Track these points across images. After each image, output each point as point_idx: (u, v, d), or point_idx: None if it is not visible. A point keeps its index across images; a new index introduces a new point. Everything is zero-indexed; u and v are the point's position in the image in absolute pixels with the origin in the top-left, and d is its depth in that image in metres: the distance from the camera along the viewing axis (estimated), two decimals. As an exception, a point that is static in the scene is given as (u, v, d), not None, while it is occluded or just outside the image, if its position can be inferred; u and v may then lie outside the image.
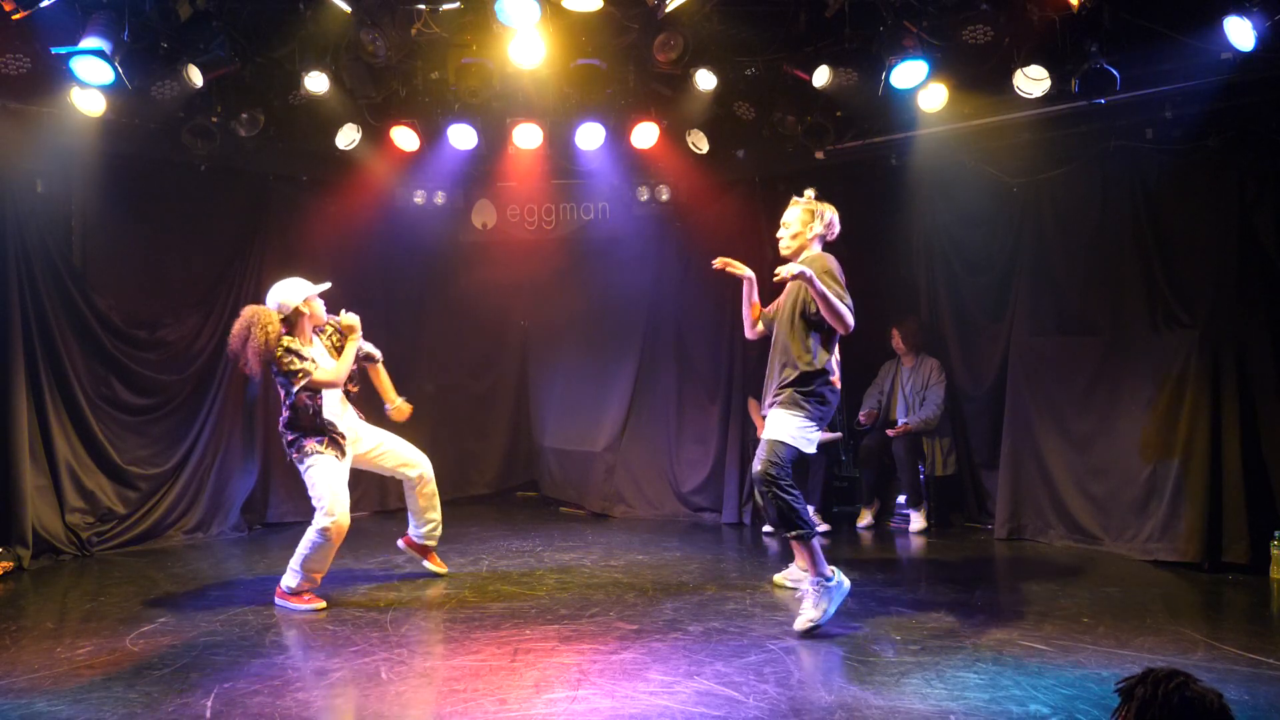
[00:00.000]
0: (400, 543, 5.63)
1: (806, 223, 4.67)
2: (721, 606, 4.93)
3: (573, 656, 4.15)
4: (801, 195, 4.78)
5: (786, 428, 4.50)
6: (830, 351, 4.62)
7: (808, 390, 4.53)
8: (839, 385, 4.68)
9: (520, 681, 3.83)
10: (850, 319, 4.45)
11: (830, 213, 4.72)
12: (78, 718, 3.50)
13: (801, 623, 4.37)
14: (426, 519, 5.52)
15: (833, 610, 4.43)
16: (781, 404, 4.55)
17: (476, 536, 6.87)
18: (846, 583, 4.53)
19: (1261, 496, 5.46)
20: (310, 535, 4.90)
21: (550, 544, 6.60)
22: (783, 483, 4.41)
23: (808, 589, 4.46)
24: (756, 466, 4.49)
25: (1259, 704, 3.52)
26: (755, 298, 4.92)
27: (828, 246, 4.80)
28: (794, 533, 4.43)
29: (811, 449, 4.63)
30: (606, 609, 4.89)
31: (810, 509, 6.94)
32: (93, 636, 4.49)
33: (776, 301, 4.89)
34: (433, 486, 5.48)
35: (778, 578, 5.37)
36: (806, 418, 4.52)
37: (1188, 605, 5.09)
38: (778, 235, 4.78)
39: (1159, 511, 5.75)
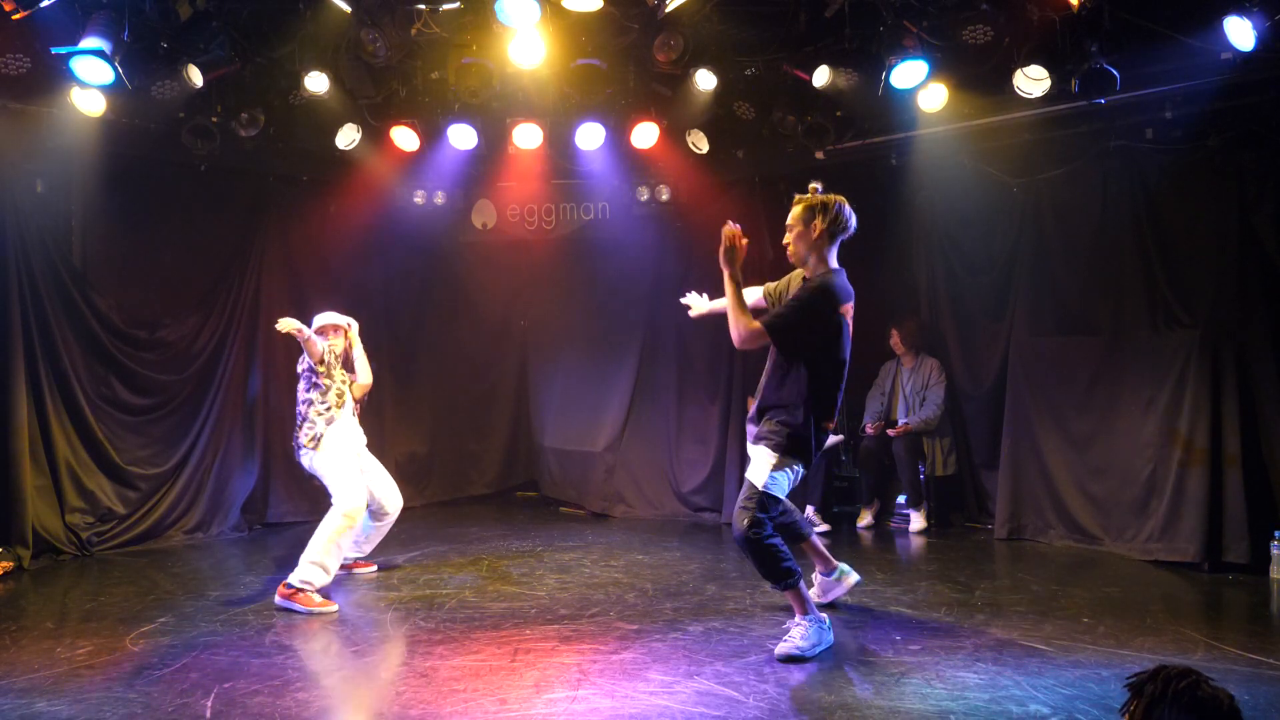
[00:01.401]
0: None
1: (808, 220, 4.14)
2: (721, 606, 4.93)
3: (573, 656, 4.15)
4: (806, 191, 4.28)
5: (764, 470, 4.11)
6: (818, 395, 4.13)
7: (792, 435, 4.12)
8: (829, 428, 4.26)
9: (520, 681, 3.83)
10: (742, 331, 4.01)
11: (838, 205, 4.16)
12: (78, 718, 3.50)
13: (785, 648, 4.07)
14: (364, 548, 5.74)
15: (821, 648, 4.13)
16: (762, 437, 4.18)
17: (476, 536, 6.87)
18: (832, 635, 4.25)
19: (1261, 496, 5.46)
20: (329, 518, 5.11)
21: (550, 544, 6.60)
22: (755, 533, 4.02)
23: (799, 620, 4.18)
24: (736, 523, 4.08)
25: (1259, 704, 3.52)
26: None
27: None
28: (783, 583, 4.10)
29: (790, 484, 4.20)
30: (606, 609, 4.89)
31: (810, 509, 7.00)
32: (93, 636, 4.49)
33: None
34: (390, 525, 5.80)
35: None
36: (788, 455, 4.12)
37: (1188, 605, 5.09)
38: (784, 241, 4.29)
39: (1159, 511, 5.75)
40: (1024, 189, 6.62)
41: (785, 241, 4.27)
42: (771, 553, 4.04)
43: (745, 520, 4.04)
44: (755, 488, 4.09)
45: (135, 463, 6.56)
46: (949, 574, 5.67)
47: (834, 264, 4.24)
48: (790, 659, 4.04)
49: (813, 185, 4.27)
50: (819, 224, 4.14)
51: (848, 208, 4.22)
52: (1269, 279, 5.57)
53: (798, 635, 4.13)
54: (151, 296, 6.76)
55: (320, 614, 4.86)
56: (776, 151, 7.07)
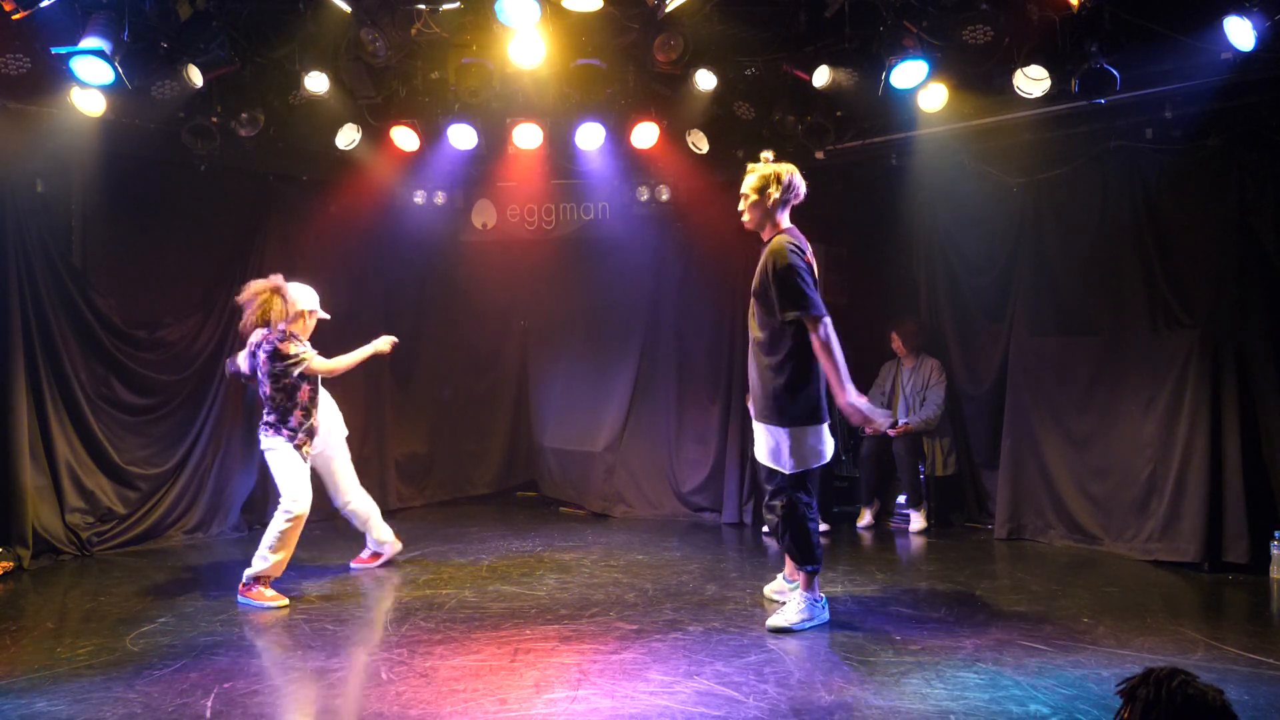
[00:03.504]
0: (352, 564, 5.89)
1: (762, 189, 4.38)
2: (721, 606, 4.93)
3: (573, 656, 4.15)
4: (758, 161, 4.56)
5: (785, 451, 4.36)
6: (809, 350, 4.39)
7: (795, 392, 4.34)
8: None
9: (520, 681, 3.84)
10: (811, 308, 4.18)
11: (789, 174, 4.40)
12: (78, 718, 3.50)
13: (776, 620, 4.37)
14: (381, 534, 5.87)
15: (810, 625, 4.43)
16: (778, 420, 4.36)
17: (476, 536, 6.87)
18: (827, 614, 4.58)
19: (1261, 496, 5.46)
20: (277, 520, 5.05)
21: (550, 544, 6.60)
22: (793, 512, 4.38)
23: (795, 595, 4.44)
24: (778, 500, 4.40)
25: (1259, 704, 3.52)
26: None
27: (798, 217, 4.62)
28: (808, 567, 4.45)
29: (828, 451, 4.46)
30: (606, 609, 4.89)
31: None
32: (93, 636, 4.49)
33: None
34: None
35: (768, 590, 5.25)
36: (807, 423, 4.36)
37: (1188, 605, 5.09)
38: (739, 208, 4.54)
39: (1159, 511, 5.75)
40: (1024, 189, 6.62)
41: (740, 209, 4.51)
42: (807, 532, 4.38)
43: (783, 501, 4.37)
44: (783, 472, 4.38)
45: (135, 463, 6.56)
46: (949, 574, 5.68)
47: (785, 225, 4.48)
48: (778, 630, 4.35)
49: (765, 154, 4.58)
50: (772, 192, 4.40)
51: (798, 175, 4.47)
52: (1269, 279, 5.57)
53: (791, 608, 4.40)
54: (151, 296, 6.75)
55: (272, 609, 4.91)
56: (777, 151, 7.01)
